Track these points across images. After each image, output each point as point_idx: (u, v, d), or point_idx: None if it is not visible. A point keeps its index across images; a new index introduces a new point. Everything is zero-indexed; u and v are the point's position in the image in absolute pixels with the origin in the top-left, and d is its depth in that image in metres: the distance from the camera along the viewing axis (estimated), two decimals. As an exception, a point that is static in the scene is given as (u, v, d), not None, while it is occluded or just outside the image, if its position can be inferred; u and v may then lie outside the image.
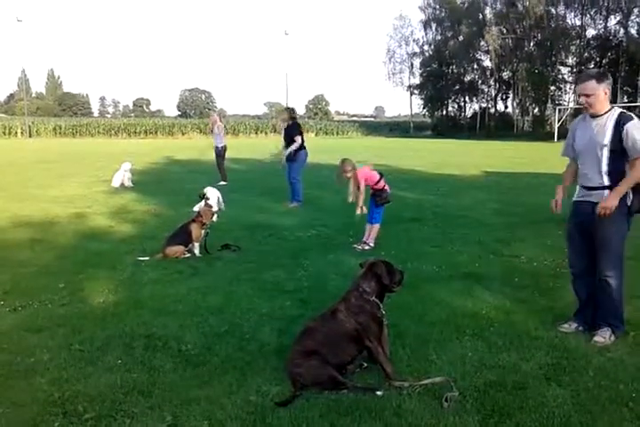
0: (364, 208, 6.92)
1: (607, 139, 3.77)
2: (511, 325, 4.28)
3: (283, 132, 10.90)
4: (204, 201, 9.83)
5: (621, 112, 3.80)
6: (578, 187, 4.13)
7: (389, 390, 3.21)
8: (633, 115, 3.81)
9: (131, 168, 13.54)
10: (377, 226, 6.99)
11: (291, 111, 10.95)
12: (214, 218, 6.77)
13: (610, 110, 3.82)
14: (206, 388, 3.28)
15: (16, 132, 50.08)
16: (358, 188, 6.87)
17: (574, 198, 4.18)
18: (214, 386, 3.30)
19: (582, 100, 3.82)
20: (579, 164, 4.08)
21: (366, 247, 6.85)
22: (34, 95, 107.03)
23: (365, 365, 3.52)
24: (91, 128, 53.63)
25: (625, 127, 3.70)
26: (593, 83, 3.74)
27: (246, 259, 6.40)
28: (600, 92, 3.74)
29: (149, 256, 6.37)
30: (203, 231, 6.64)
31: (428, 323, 4.31)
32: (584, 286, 4.18)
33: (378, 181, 6.91)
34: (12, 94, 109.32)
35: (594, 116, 3.87)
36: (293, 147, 10.38)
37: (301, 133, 10.63)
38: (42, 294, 5.04)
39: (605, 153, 3.79)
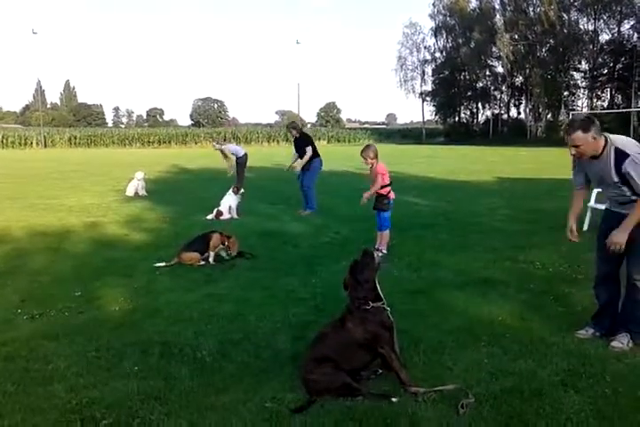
0: (365, 200, 6.93)
1: (616, 178, 3.75)
2: (527, 331, 4.25)
3: (293, 144, 10.98)
4: (215, 210, 9.92)
5: (616, 149, 3.71)
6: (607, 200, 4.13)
7: (405, 397, 3.20)
8: (625, 147, 3.69)
9: (144, 177, 13.66)
10: (387, 232, 6.99)
11: (294, 127, 11.01)
12: (235, 249, 6.76)
13: (605, 148, 3.75)
14: (222, 395, 3.30)
15: (31, 143, 50.76)
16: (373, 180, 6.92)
17: (605, 206, 4.19)
18: (230, 393, 3.32)
19: (572, 150, 3.83)
20: (601, 189, 4.12)
21: (379, 254, 6.83)
22: (49, 106, 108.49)
23: (380, 371, 3.51)
24: (105, 138, 54.25)
25: (624, 168, 3.66)
26: (579, 133, 3.72)
27: (260, 266, 6.42)
28: (588, 139, 3.72)
29: (165, 262, 6.45)
30: (224, 251, 6.68)
31: (444, 330, 4.30)
32: (605, 291, 4.13)
33: (386, 185, 6.92)
34: (27, 105, 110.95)
35: (594, 157, 3.84)
36: (306, 158, 10.47)
37: (311, 143, 10.71)
38: (59, 302, 5.10)
39: (621, 186, 3.78)
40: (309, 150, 10.50)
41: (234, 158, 13.34)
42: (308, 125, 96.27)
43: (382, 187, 6.90)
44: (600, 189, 4.20)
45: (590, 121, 3.76)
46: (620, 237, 3.77)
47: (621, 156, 3.66)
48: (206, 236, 6.67)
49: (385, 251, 6.90)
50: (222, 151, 13.45)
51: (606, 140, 3.74)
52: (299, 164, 10.64)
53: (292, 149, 11.07)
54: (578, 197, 4.27)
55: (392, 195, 7.01)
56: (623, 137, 3.84)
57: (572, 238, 4.18)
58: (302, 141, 10.68)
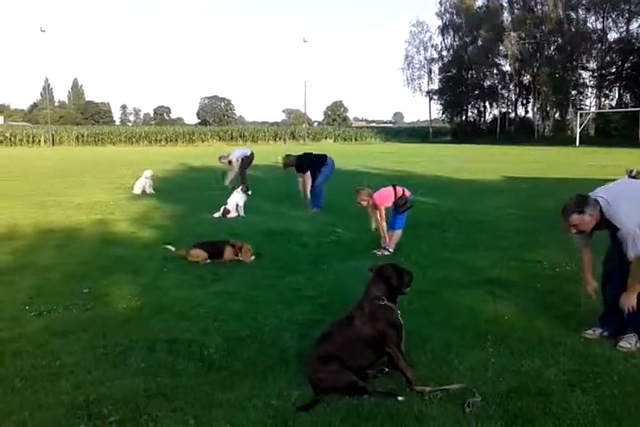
0: (387, 236, 6.96)
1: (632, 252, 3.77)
2: (534, 330, 4.25)
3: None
4: (222, 208, 9.94)
5: (610, 222, 3.80)
6: None
7: (411, 396, 3.20)
8: (613, 217, 3.77)
9: (152, 175, 13.68)
10: (398, 232, 6.99)
11: (290, 164, 10.99)
12: (251, 258, 6.70)
13: (602, 216, 3.82)
14: (228, 392, 3.31)
15: (39, 141, 50.96)
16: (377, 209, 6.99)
17: None
18: (236, 390, 3.33)
19: (573, 230, 3.91)
20: None
21: (386, 253, 6.84)
22: (57, 104, 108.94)
23: (386, 370, 3.52)
24: (112, 136, 54.38)
25: (619, 235, 3.79)
26: (574, 216, 3.82)
27: (266, 265, 6.43)
28: (585, 218, 3.81)
29: (175, 248, 6.67)
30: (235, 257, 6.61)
31: (450, 328, 4.30)
32: (613, 288, 4.09)
33: (395, 194, 6.95)
34: (35, 103, 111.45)
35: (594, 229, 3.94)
36: (307, 188, 10.57)
37: (307, 166, 10.69)
38: (66, 298, 5.13)
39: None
40: (308, 175, 10.55)
41: (237, 166, 13.67)
42: (315, 124, 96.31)
43: (394, 196, 6.96)
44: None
45: (583, 201, 3.83)
46: (630, 300, 3.86)
47: (615, 228, 3.80)
48: (218, 244, 6.65)
49: (392, 250, 6.90)
50: (231, 162, 13.84)
51: (601, 211, 3.80)
52: (307, 192, 10.68)
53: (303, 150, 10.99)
54: (586, 253, 4.21)
55: (407, 193, 7.04)
56: (611, 194, 3.86)
57: (593, 295, 4.21)
58: (299, 168, 10.78)
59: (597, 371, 3.54)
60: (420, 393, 3.21)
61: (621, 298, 3.89)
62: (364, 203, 6.98)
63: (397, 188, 7.00)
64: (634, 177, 7.93)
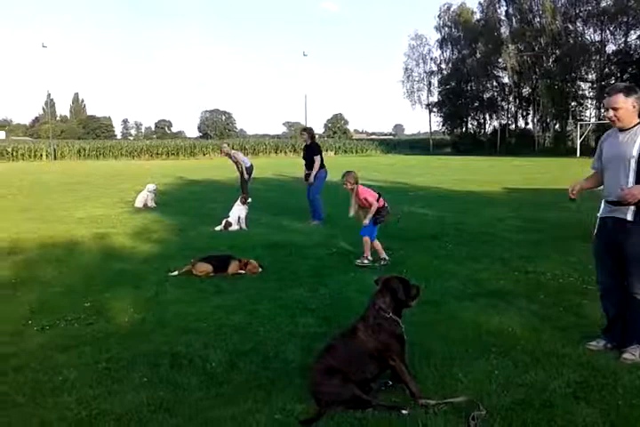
0: (368, 222, 7.02)
1: (636, 150, 3.67)
2: (538, 342, 4.22)
3: (303, 152, 11.07)
4: (224, 221, 9.94)
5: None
6: (602, 202, 4.09)
7: (415, 409, 3.18)
8: None
9: (155, 189, 13.69)
10: (366, 238, 7.05)
11: (309, 131, 11.11)
12: (259, 270, 6.72)
13: (637, 124, 3.74)
14: (231, 406, 3.29)
15: (41, 155, 51.03)
16: (360, 205, 7.13)
17: (599, 215, 4.14)
18: (239, 404, 3.31)
19: (610, 113, 3.75)
20: (604, 176, 4.02)
21: (382, 262, 6.87)
22: (58, 118, 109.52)
23: (390, 383, 3.50)
24: (114, 150, 54.46)
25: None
26: (621, 96, 3.68)
27: (268, 277, 6.42)
28: (628, 105, 3.68)
29: (178, 270, 6.55)
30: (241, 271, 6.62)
31: (454, 341, 4.27)
32: (613, 302, 4.09)
33: (378, 200, 7.07)
34: (37, 118, 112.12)
35: (622, 130, 3.80)
36: (316, 167, 10.55)
37: (320, 153, 10.77)
38: (68, 313, 5.12)
39: (632, 165, 3.68)
40: (318, 160, 10.58)
41: (243, 164, 13.96)
42: (316, 136, 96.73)
43: (376, 200, 7.07)
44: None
45: (633, 88, 3.72)
46: (636, 191, 3.61)
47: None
48: (224, 259, 6.66)
49: (386, 257, 6.94)
50: (230, 155, 14.13)
51: None
52: (311, 176, 10.68)
53: (302, 161, 11.06)
54: (595, 176, 4.20)
55: (386, 204, 7.22)
56: None
57: (571, 195, 4.17)
58: (312, 150, 10.77)
59: (602, 383, 3.51)
60: (425, 406, 3.18)
61: (632, 189, 3.62)
62: (349, 186, 7.11)
63: (381, 198, 7.12)
64: None
